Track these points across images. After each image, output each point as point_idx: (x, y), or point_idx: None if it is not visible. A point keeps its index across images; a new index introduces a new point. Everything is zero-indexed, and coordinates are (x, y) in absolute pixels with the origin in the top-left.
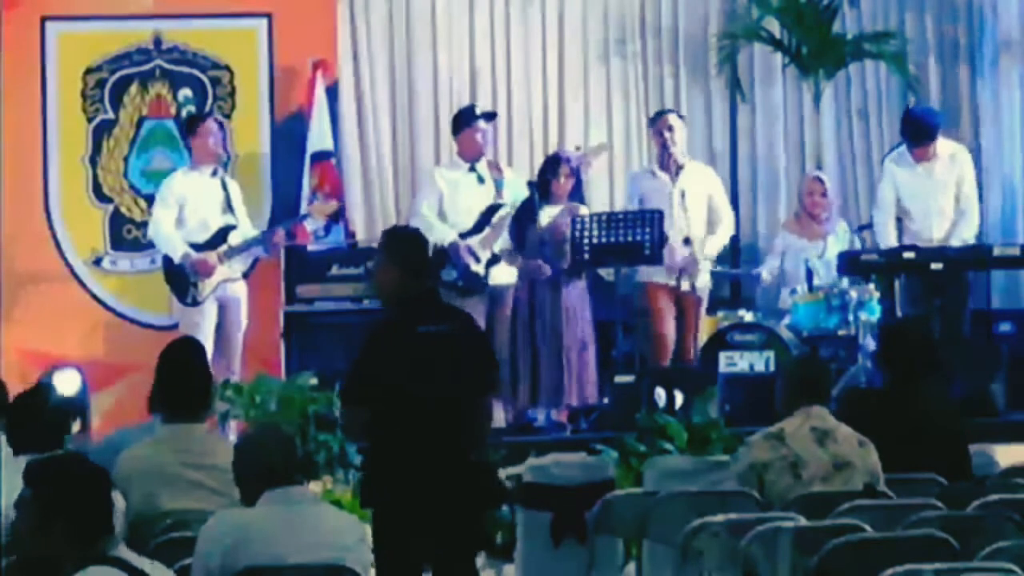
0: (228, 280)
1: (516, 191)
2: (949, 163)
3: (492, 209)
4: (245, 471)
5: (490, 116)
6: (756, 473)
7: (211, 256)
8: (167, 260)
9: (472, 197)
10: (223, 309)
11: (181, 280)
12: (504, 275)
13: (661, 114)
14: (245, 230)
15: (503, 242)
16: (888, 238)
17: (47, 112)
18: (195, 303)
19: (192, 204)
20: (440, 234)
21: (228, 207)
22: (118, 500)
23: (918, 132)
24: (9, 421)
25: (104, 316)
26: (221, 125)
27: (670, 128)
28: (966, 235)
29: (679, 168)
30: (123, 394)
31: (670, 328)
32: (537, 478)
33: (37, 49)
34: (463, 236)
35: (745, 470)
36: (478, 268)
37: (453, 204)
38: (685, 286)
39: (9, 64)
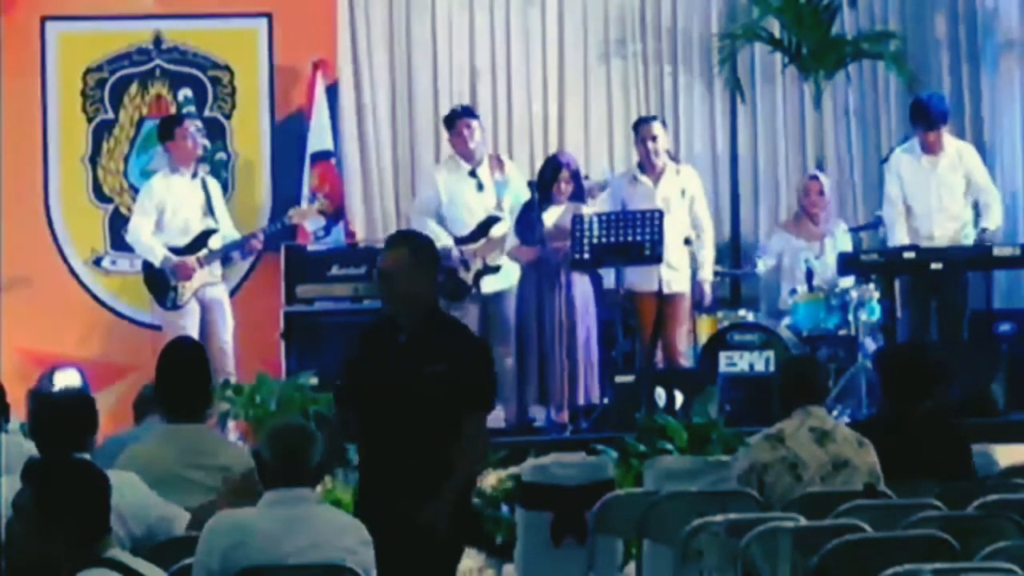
0: (208, 284)
1: (518, 193)
2: (955, 159)
3: (491, 220)
4: (260, 468)
5: (468, 113)
6: (756, 474)
7: (191, 260)
8: (147, 264)
9: (471, 203)
10: (205, 312)
11: (161, 284)
12: (500, 282)
13: (645, 122)
14: (226, 232)
15: (510, 239)
16: (899, 234)
17: (47, 112)
18: (175, 307)
19: (172, 208)
20: (434, 237)
21: (209, 210)
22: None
23: (928, 117)
24: (35, 423)
25: (104, 316)
26: (200, 124)
27: (654, 138)
28: (994, 223)
29: (660, 172)
30: (123, 394)
31: (648, 336)
32: (537, 478)
33: (37, 49)
34: (458, 242)
35: (745, 471)
36: (465, 276)
37: (451, 209)
38: (668, 289)
39: (9, 64)
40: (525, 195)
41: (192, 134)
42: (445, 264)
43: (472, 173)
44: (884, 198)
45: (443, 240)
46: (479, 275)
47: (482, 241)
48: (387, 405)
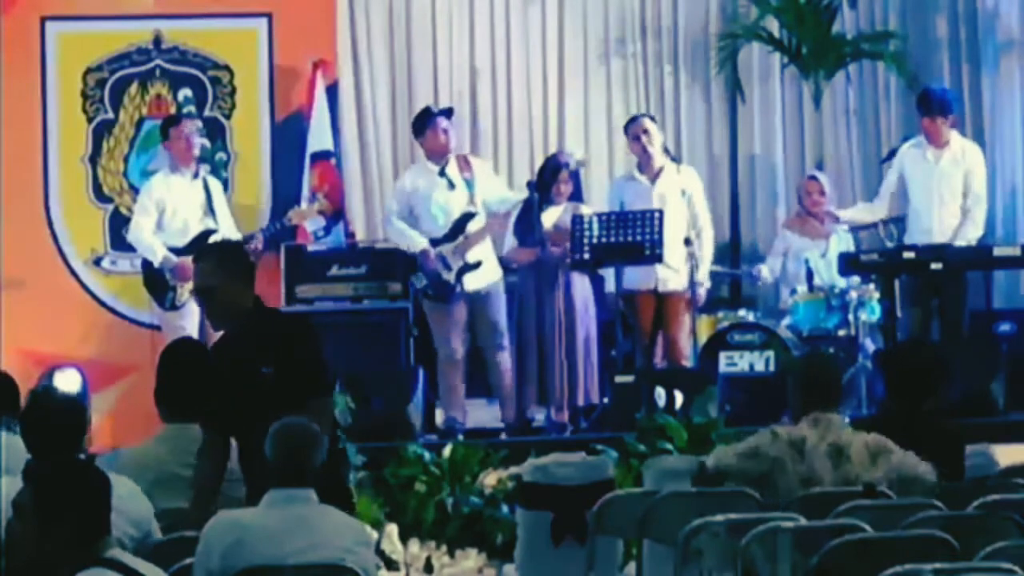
0: None
1: (488, 189)
2: (959, 155)
3: (467, 217)
4: (263, 465)
5: (449, 112)
6: (766, 464)
7: (190, 261)
8: (146, 263)
9: (444, 202)
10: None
11: (159, 284)
12: (484, 279)
13: (635, 119)
14: (226, 232)
15: (509, 241)
16: (878, 202)
17: (47, 112)
18: (173, 307)
19: (172, 208)
20: (410, 241)
21: (209, 210)
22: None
23: (929, 103)
24: (24, 427)
25: (104, 316)
26: (200, 124)
27: (645, 132)
28: (971, 235)
29: (658, 171)
30: (123, 394)
31: (647, 335)
32: (537, 478)
33: (37, 49)
34: (435, 243)
35: (753, 451)
36: (448, 276)
37: (424, 211)
38: (665, 288)
39: (9, 64)
40: (496, 192)
41: (188, 134)
42: (424, 267)
43: (442, 173)
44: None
45: (419, 244)
46: (461, 273)
47: (460, 239)
48: (244, 418)
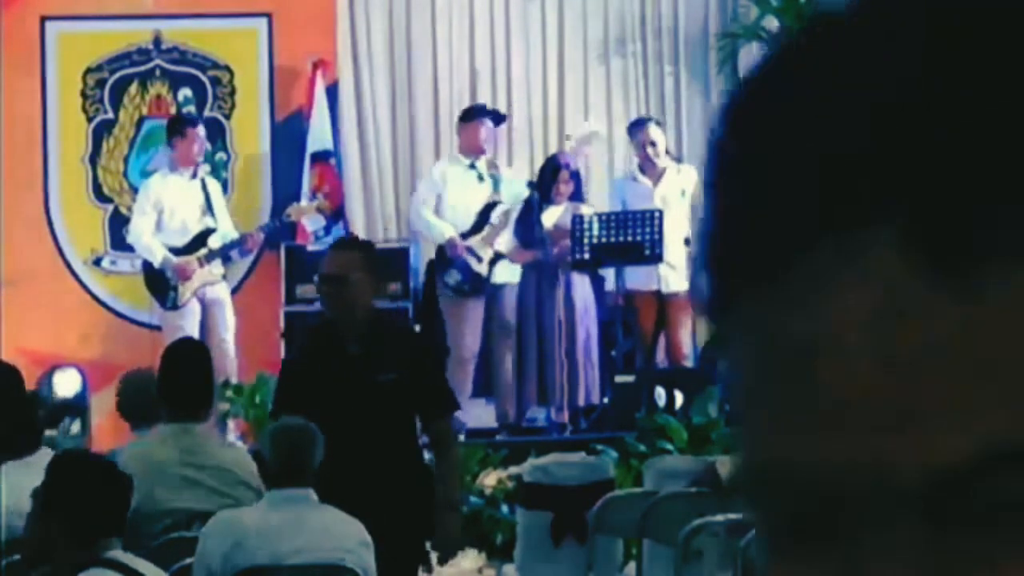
0: (208, 284)
1: (514, 190)
2: None
3: (491, 206)
4: (260, 468)
5: (499, 118)
6: None
7: (190, 260)
8: (146, 264)
9: (470, 194)
10: (206, 312)
11: (160, 284)
12: (504, 274)
13: (640, 125)
14: (225, 232)
15: (508, 242)
16: None
17: (47, 112)
18: (175, 307)
19: (170, 208)
20: (439, 232)
21: (208, 210)
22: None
23: None
24: None
25: (104, 316)
26: (207, 129)
27: (652, 143)
28: None
29: (661, 173)
30: None
31: (649, 336)
32: (537, 478)
33: (37, 49)
34: (463, 236)
35: None
36: (480, 268)
37: (451, 202)
38: (668, 288)
39: (9, 64)
40: (522, 194)
41: (200, 139)
42: (453, 258)
43: (472, 166)
44: None
45: (448, 233)
46: (492, 263)
47: (487, 229)
48: (340, 415)
